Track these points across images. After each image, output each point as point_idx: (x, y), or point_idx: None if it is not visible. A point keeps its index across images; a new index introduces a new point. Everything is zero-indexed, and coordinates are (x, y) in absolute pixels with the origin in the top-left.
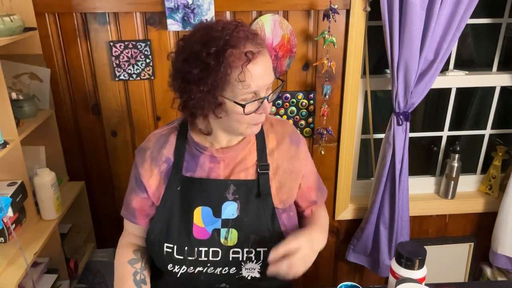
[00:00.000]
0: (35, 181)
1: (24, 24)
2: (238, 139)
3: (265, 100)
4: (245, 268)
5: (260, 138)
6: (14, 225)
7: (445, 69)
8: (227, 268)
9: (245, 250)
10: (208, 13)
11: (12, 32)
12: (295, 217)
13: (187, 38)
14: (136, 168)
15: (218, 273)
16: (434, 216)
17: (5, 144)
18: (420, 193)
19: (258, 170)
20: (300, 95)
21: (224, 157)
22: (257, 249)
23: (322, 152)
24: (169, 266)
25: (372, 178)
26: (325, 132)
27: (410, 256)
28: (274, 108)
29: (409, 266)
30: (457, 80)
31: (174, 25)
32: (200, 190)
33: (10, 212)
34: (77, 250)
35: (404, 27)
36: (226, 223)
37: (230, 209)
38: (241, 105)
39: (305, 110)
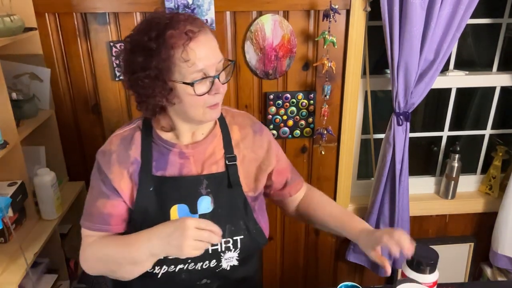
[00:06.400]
0: (35, 181)
1: (24, 24)
2: (204, 133)
3: (216, 80)
4: (225, 259)
5: (225, 130)
6: (14, 225)
7: (445, 69)
8: (207, 261)
9: (223, 240)
10: (208, 13)
11: (12, 32)
12: (263, 203)
13: (132, 32)
14: (103, 173)
15: (199, 268)
16: (434, 216)
17: (5, 144)
18: (420, 193)
19: (227, 162)
20: (300, 95)
21: (194, 153)
22: (234, 238)
23: (322, 152)
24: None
25: (372, 178)
26: (325, 132)
27: (422, 260)
28: (274, 108)
29: (421, 270)
30: (457, 80)
31: None
32: (174, 188)
33: (10, 212)
34: (77, 250)
35: (404, 27)
36: (204, 218)
37: (205, 204)
38: (190, 84)
39: (305, 110)
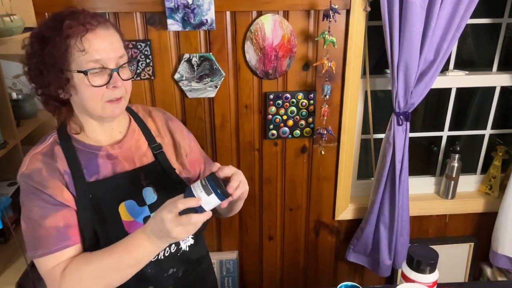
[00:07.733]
0: None
1: (24, 24)
2: (121, 131)
3: (115, 74)
4: (182, 240)
5: (141, 124)
6: (14, 225)
7: (445, 69)
8: (168, 248)
9: None
10: (208, 13)
11: (12, 32)
12: None
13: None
14: (40, 192)
15: (162, 257)
16: (434, 216)
17: (5, 144)
18: (420, 193)
19: (153, 151)
20: (300, 95)
21: (120, 152)
22: None
23: (322, 152)
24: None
25: (372, 178)
26: (325, 132)
27: (422, 260)
28: (274, 108)
29: (421, 270)
30: (457, 80)
31: (174, 25)
32: (114, 188)
33: (10, 212)
34: None
35: (404, 27)
36: (153, 207)
37: (149, 194)
38: (83, 72)
39: (305, 110)
